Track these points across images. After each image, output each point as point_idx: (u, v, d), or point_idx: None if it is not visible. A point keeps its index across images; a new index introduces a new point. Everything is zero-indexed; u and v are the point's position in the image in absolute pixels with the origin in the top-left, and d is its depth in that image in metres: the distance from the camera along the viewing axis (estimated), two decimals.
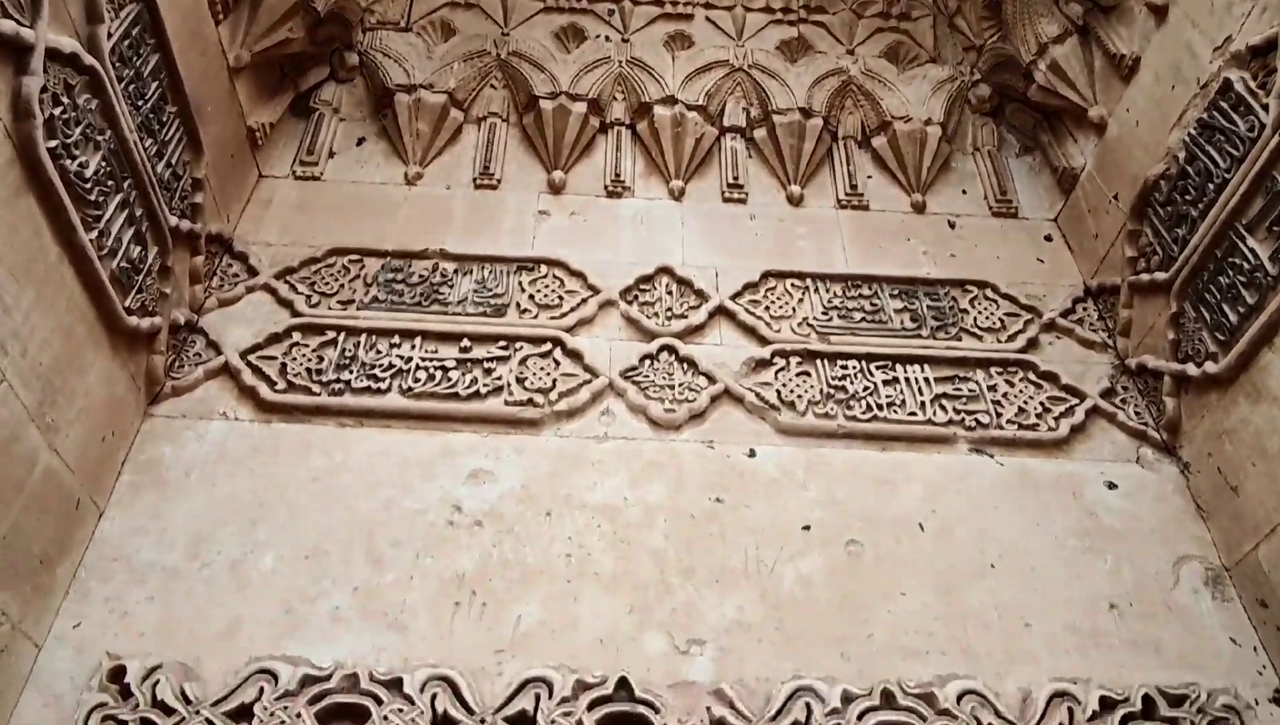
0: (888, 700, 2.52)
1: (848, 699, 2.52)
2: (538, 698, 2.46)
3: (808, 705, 2.50)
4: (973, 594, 2.84)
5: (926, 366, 3.46)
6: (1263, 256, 2.84)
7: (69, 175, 2.49)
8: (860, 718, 2.48)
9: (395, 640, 2.61)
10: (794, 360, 3.44)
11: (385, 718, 2.39)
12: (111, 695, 2.39)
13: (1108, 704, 2.55)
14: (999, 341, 3.59)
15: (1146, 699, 2.57)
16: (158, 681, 2.41)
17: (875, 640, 2.71)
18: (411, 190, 4.01)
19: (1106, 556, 2.96)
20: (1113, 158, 3.74)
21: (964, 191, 4.28)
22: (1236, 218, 2.96)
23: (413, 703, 2.43)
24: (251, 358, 3.26)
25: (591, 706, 2.46)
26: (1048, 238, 4.10)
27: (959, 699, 2.54)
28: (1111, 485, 3.16)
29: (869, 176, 4.27)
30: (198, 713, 2.36)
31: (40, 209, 2.43)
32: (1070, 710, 2.53)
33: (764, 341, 3.50)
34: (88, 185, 2.58)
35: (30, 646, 2.48)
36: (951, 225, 4.12)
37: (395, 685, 2.47)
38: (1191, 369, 3.14)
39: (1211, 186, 3.09)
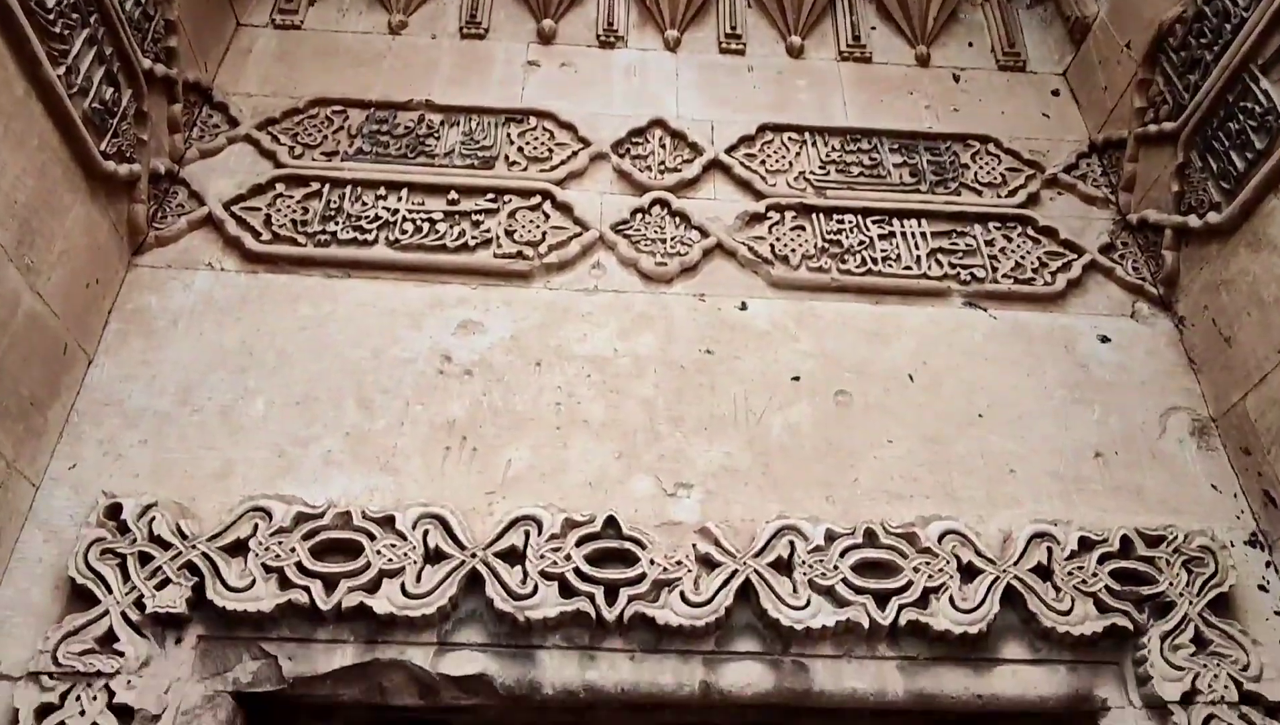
0: (870, 539, 2.57)
1: (831, 537, 2.56)
2: (527, 534, 2.51)
3: (791, 543, 2.55)
4: (959, 442, 2.86)
5: (924, 221, 3.39)
6: (1276, 99, 2.74)
7: (28, 4, 2.38)
8: (843, 554, 2.53)
9: (387, 482, 2.65)
10: (789, 214, 3.38)
11: (378, 552, 2.44)
12: (109, 531, 2.44)
13: (1086, 544, 2.60)
14: (999, 196, 3.51)
15: (1125, 539, 2.61)
16: (154, 518, 2.45)
17: (860, 485, 2.75)
18: (395, 40, 3.86)
19: (1095, 407, 2.97)
20: (1127, 3, 3.57)
21: (970, 44, 4.11)
22: (1252, 59, 2.84)
23: (405, 538, 2.48)
24: (235, 209, 3.19)
25: (580, 543, 2.50)
26: (1055, 92, 3.96)
27: (940, 538, 2.59)
28: (1104, 339, 3.14)
29: (873, 28, 4.10)
30: (194, 547, 2.42)
31: (2, 39, 2.32)
32: (1049, 549, 2.58)
33: (759, 195, 3.42)
34: (50, 16, 2.47)
35: (27, 486, 2.52)
36: (956, 79, 3.97)
37: (387, 523, 2.51)
38: (1194, 220, 3.08)
39: (1228, 27, 2.96)
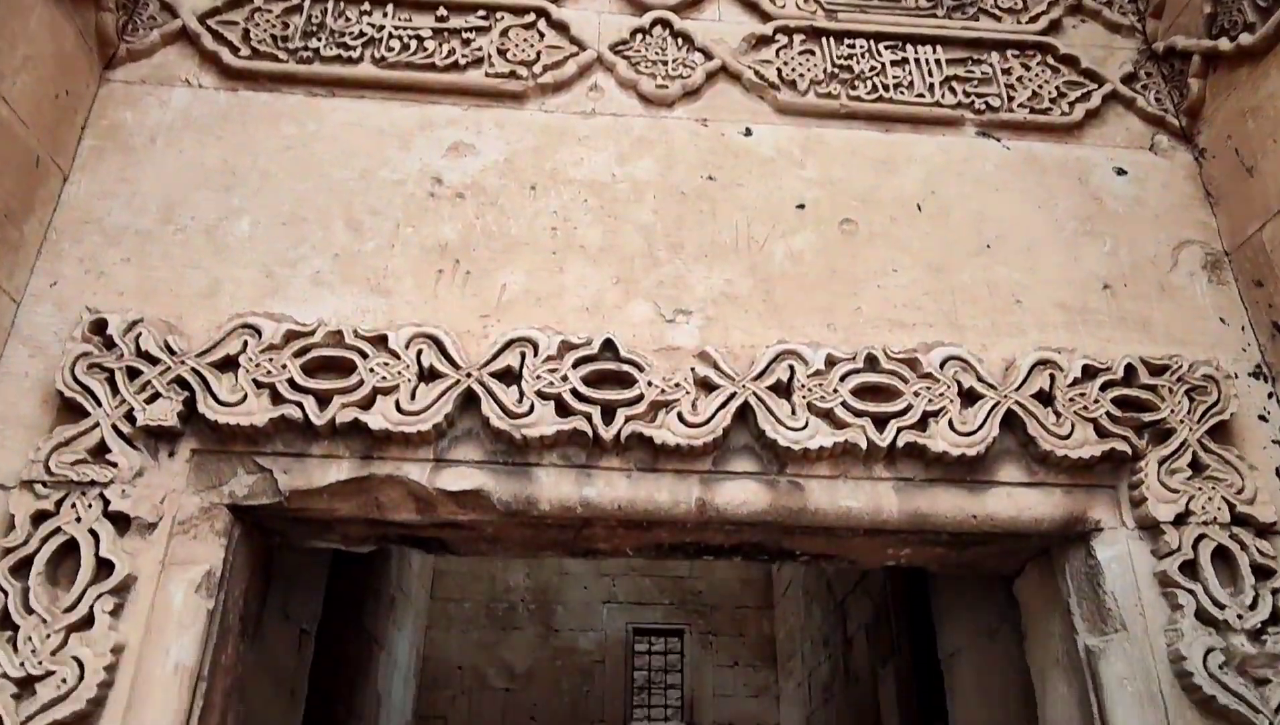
0: (871, 363, 2.53)
1: (831, 362, 2.52)
2: (523, 356, 2.46)
3: (791, 367, 2.51)
4: (965, 272, 2.79)
5: (939, 47, 3.21)
6: None
7: None
8: (843, 379, 2.50)
9: (379, 303, 2.59)
10: (798, 38, 3.19)
11: (371, 370, 2.40)
12: (95, 346, 2.38)
13: (1090, 372, 2.57)
14: (1019, 23, 3.31)
15: (1129, 368, 2.58)
16: (140, 334, 2.39)
17: (863, 312, 2.70)
18: None
19: (1106, 239, 2.89)
20: None
21: None
22: None
23: (398, 357, 2.43)
24: (211, 22, 3.00)
25: (577, 364, 2.46)
26: None
27: (942, 364, 2.55)
28: (1120, 171, 3.03)
29: None
30: (183, 362, 2.37)
31: None
32: (1052, 376, 2.55)
33: (766, 17, 3.23)
34: None
35: (8, 301, 2.45)
36: None
37: (380, 342, 2.46)
38: (1224, 44, 2.91)
39: None
